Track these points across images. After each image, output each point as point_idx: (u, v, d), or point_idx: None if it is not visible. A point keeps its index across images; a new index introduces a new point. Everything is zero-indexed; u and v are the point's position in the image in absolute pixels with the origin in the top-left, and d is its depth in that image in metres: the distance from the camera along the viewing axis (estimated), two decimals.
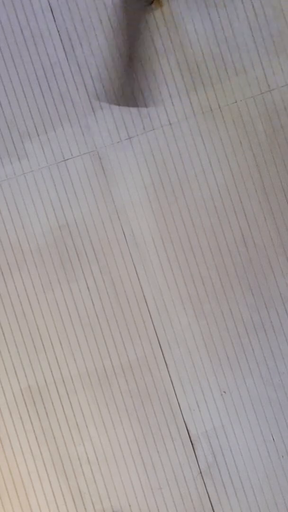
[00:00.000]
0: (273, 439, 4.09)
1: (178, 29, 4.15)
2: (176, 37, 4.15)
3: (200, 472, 4.04)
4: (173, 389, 4.05)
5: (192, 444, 4.05)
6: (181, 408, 4.05)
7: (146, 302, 4.07)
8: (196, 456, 4.04)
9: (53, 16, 4.10)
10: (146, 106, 4.14)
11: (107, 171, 4.10)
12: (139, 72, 4.14)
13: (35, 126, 4.09)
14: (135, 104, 4.12)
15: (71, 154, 4.10)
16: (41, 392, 4.00)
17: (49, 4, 4.10)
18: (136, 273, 4.07)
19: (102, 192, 4.10)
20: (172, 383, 4.06)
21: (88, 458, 4.00)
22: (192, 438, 4.05)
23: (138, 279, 4.07)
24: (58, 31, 4.10)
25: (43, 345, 4.01)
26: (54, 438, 3.99)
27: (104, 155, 4.11)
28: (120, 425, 4.01)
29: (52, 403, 4.00)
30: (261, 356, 4.11)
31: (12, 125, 4.08)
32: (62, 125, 4.10)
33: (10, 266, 4.04)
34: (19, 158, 4.07)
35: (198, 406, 4.06)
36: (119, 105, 4.11)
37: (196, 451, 4.05)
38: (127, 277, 4.07)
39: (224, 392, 4.08)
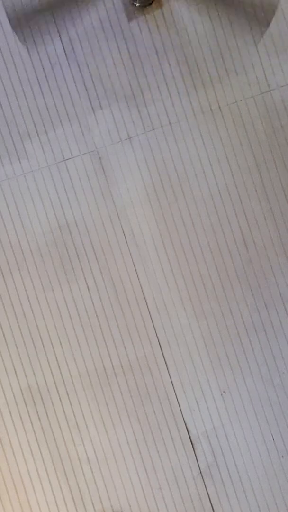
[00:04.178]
0: (273, 439, 4.09)
1: (178, 29, 4.15)
2: (176, 37, 4.15)
3: (200, 472, 4.04)
4: (173, 389, 4.06)
5: (192, 444, 4.05)
6: (181, 408, 4.05)
7: (146, 302, 4.07)
8: (196, 456, 4.04)
9: (53, 16, 4.10)
10: (146, 106, 4.14)
11: (107, 171, 4.10)
12: (139, 71, 4.14)
13: (35, 126, 4.09)
14: (135, 104, 4.12)
15: (71, 154, 4.10)
16: (41, 392, 4.00)
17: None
18: (136, 273, 4.07)
19: (102, 192, 4.10)
20: (172, 383, 4.06)
21: (88, 458, 4.00)
22: (192, 438, 4.05)
23: (138, 279, 4.07)
24: (58, 31, 4.10)
25: (43, 345, 4.01)
26: (54, 438, 3.99)
27: (104, 155, 4.11)
28: (120, 425, 4.02)
29: (52, 403, 4.00)
30: (261, 356, 4.11)
31: (12, 125, 4.09)
32: (62, 125, 4.10)
33: (10, 266, 4.04)
34: (19, 158, 4.08)
35: (198, 406, 4.06)
36: (119, 105, 4.11)
37: (196, 451, 4.05)
38: (127, 277, 4.07)
39: (224, 392, 4.08)
